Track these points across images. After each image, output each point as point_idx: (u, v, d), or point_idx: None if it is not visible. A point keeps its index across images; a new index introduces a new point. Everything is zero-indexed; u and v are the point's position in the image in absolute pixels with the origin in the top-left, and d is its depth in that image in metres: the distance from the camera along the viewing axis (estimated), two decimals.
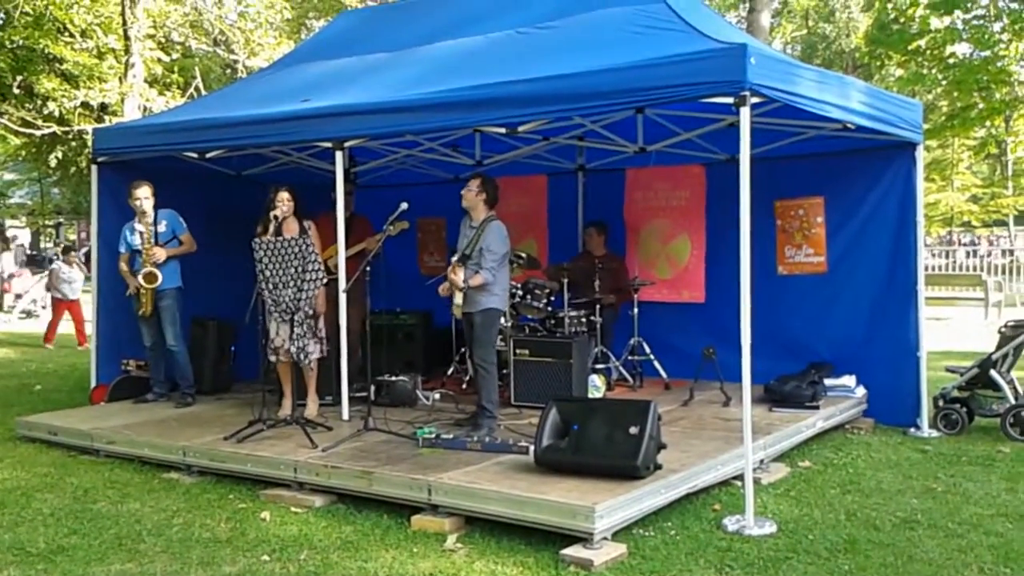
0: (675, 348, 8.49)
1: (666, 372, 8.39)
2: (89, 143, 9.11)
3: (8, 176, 41.00)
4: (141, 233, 7.74)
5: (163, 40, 19.87)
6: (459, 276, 6.51)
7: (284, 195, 6.97)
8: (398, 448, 6.05)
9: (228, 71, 23.67)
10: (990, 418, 7.43)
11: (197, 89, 18.93)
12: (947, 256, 26.68)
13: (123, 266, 7.87)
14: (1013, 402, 7.20)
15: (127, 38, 17.45)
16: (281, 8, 20.25)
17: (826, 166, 8.03)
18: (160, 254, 7.71)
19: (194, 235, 8.00)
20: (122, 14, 17.59)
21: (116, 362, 8.38)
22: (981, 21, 24.41)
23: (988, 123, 26.62)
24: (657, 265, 9.15)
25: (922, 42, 23.60)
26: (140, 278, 7.67)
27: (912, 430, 7.51)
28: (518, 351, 7.58)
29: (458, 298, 6.59)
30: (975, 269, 23.27)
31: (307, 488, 5.74)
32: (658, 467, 5.24)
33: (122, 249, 7.87)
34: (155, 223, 7.76)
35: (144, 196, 7.72)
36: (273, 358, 7.01)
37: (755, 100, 5.29)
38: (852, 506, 5.49)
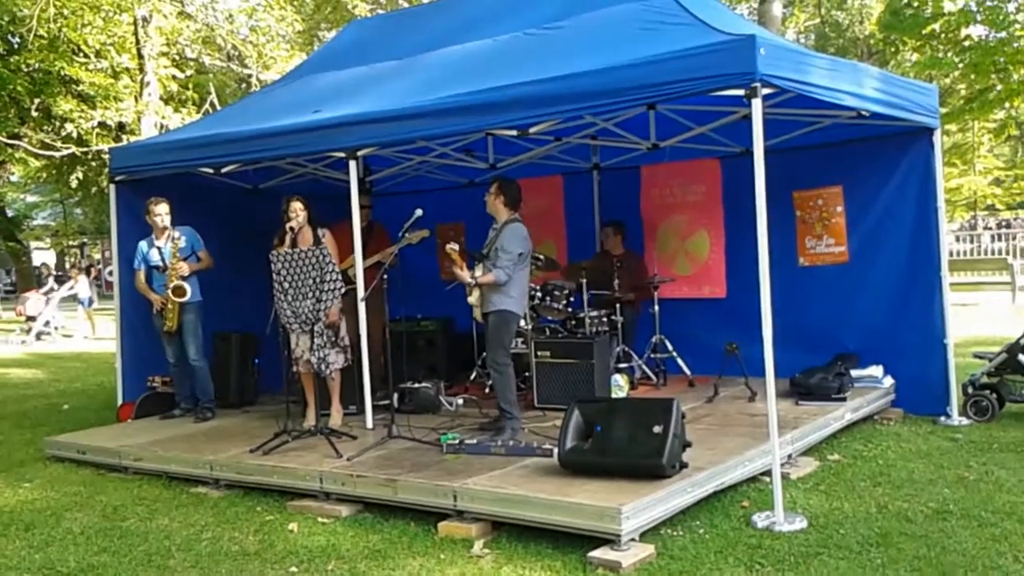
0: (698, 344, 8.43)
1: (690, 369, 8.33)
2: (107, 163, 9.17)
3: (31, 198, 41.54)
4: (160, 249, 7.80)
5: (177, 57, 20.02)
6: (466, 271, 6.49)
7: (297, 205, 6.99)
8: (423, 455, 6.05)
9: (243, 85, 23.81)
10: (1021, 403, 7.32)
11: (212, 104, 19.05)
12: (972, 241, 26.41)
13: (142, 282, 7.91)
14: None
15: (141, 57, 17.61)
16: (292, 21, 20.36)
17: (843, 155, 7.96)
18: (185, 268, 7.76)
19: (213, 250, 8.05)
20: (135, 33, 17.75)
21: (142, 379, 8.44)
22: (995, 2, 24.12)
23: (1007, 104, 26.32)
24: (676, 261, 9.10)
25: (936, 26, 23.37)
26: (169, 292, 7.71)
27: (942, 418, 7.41)
28: (539, 353, 7.56)
29: (474, 299, 6.59)
30: (1001, 253, 23.03)
31: (333, 498, 5.75)
32: (684, 465, 5.20)
33: (137, 266, 7.92)
34: (173, 240, 7.81)
35: (164, 212, 7.78)
36: (295, 369, 7.03)
37: (767, 91, 5.25)
38: (883, 498, 5.42)
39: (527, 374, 7.80)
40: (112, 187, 8.48)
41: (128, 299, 8.38)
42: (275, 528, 5.46)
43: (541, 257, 8.25)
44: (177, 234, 7.76)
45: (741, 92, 5.16)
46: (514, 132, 6.70)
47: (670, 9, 6.35)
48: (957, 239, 24.90)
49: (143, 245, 7.91)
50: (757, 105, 5.11)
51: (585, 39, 6.62)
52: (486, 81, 6.32)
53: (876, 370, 7.71)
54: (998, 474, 5.79)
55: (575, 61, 6.06)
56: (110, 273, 26.69)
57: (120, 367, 8.46)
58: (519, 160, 8.96)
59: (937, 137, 7.51)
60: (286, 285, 6.82)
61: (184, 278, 7.75)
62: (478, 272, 6.56)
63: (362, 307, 6.86)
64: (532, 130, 6.58)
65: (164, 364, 8.11)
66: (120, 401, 8.42)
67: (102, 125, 18.42)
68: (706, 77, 5.26)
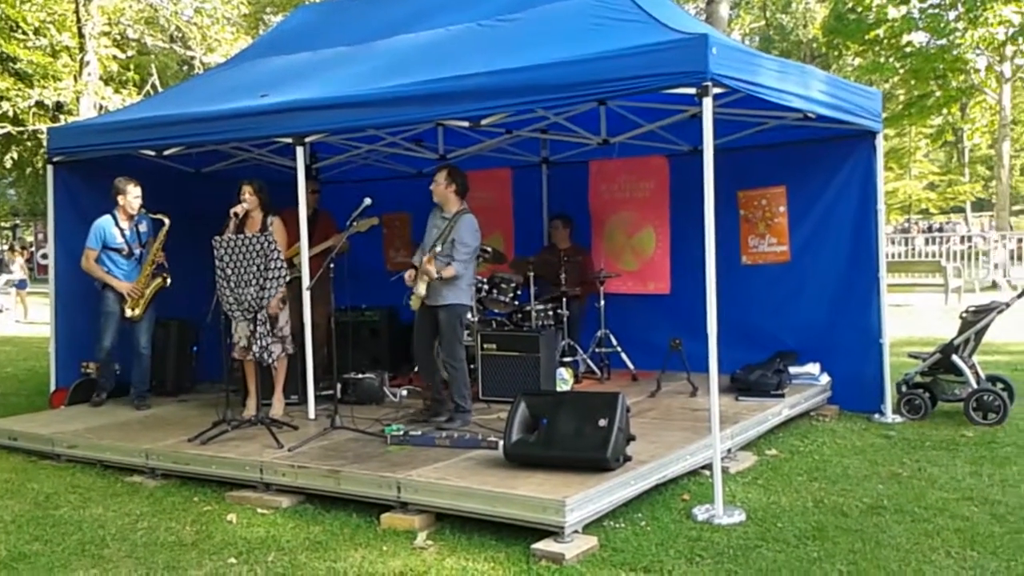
0: (642, 340, 8.50)
1: (633, 364, 8.40)
2: (44, 143, 8.93)
3: None
4: (124, 231, 7.62)
5: (118, 37, 19.60)
6: (433, 267, 6.46)
7: (247, 188, 6.89)
8: (366, 446, 6.00)
9: (185, 67, 23.40)
10: (953, 403, 7.52)
11: (153, 86, 18.70)
12: (906, 243, 27.06)
13: (93, 263, 7.63)
14: (975, 386, 7.30)
15: (81, 36, 17.21)
16: (238, 3, 20.04)
17: (788, 156, 8.08)
18: (162, 256, 7.67)
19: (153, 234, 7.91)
20: (76, 11, 17.34)
21: (76, 365, 8.23)
22: (937, 10, 24.75)
23: (945, 111, 27.05)
24: (623, 257, 9.16)
25: (879, 31, 23.93)
26: (160, 280, 7.63)
27: (876, 416, 7.59)
28: (485, 346, 7.56)
29: (421, 288, 6.53)
30: (934, 256, 23.65)
31: (274, 489, 5.67)
32: (627, 459, 5.24)
33: (94, 245, 7.62)
34: (138, 224, 7.65)
35: (139, 194, 7.64)
36: (237, 356, 6.92)
37: (717, 90, 5.29)
38: (819, 493, 5.53)
39: (472, 366, 7.78)
40: (50, 168, 8.24)
41: (64, 282, 8.17)
42: (213, 519, 5.37)
43: (489, 249, 8.24)
44: (163, 218, 7.62)
45: (692, 91, 5.21)
46: (466, 123, 6.67)
47: (624, 6, 6.37)
48: (892, 241, 25.47)
49: (106, 224, 7.63)
50: (708, 104, 5.15)
51: (538, 32, 6.61)
52: (438, 71, 6.28)
53: (813, 367, 7.85)
54: (930, 471, 5.94)
55: (528, 54, 6.06)
56: (43, 256, 26.02)
57: (54, 352, 8.24)
58: (469, 152, 8.93)
59: (879, 141, 7.66)
60: (228, 271, 6.68)
61: (163, 265, 7.61)
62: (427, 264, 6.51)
63: (307, 295, 6.78)
64: (484, 122, 6.56)
65: (98, 347, 7.89)
66: (53, 387, 8.21)
67: (39, 104, 17.97)
68: (658, 75, 5.30)
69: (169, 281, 7.67)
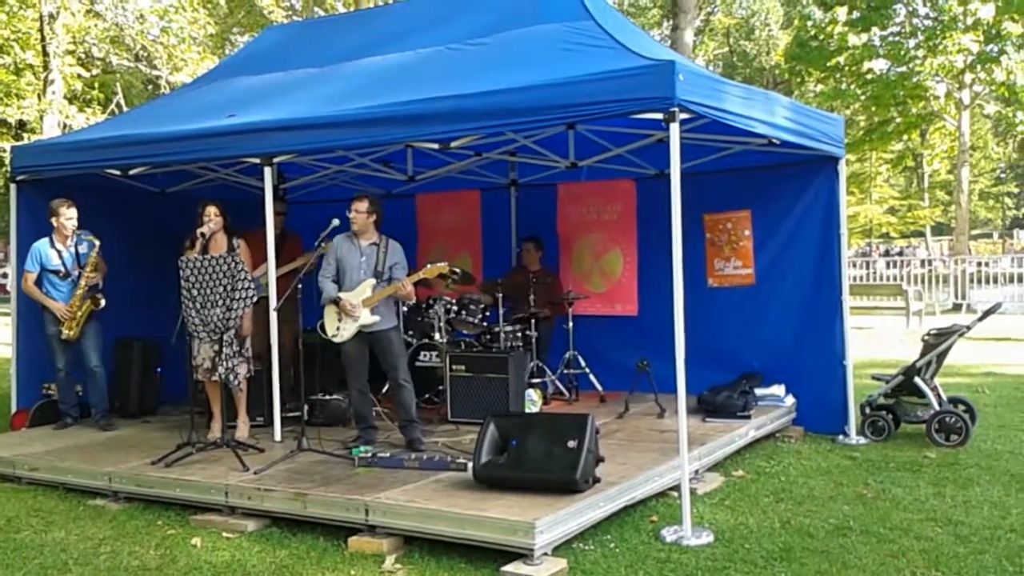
0: (610, 361, 8.56)
1: (601, 385, 8.44)
2: (7, 161, 8.82)
3: None
4: (61, 252, 7.57)
5: (83, 56, 19.43)
6: (412, 290, 6.50)
7: (212, 209, 6.86)
8: (333, 468, 5.96)
9: (150, 87, 23.24)
10: (915, 424, 7.62)
11: (119, 105, 18.55)
12: (867, 267, 27.44)
13: (31, 286, 7.61)
14: (937, 408, 7.41)
15: (46, 54, 17.04)
16: (204, 23, 19.97)
17: (752, 180, 8.19)
18: (97, 277, 7.61)
19: (117, 254, 7.93)
20: (40, 29, 17.16)
21: (37, 386, 8.10)
22: (897, 38, 25.27)
23: (905, 137, 27.55)
24: (591, 279, 9.21)
25: (841, 58, 24.35)
26: (89, 302, 7.53)
27: (840, 437, 7.66)
28: (454, 367, 7.55)
29: (368, 318, 6.47)
30: (895, 279, 23.99)
31: (239, 512, 5.61)
32: (596, 480, 5.25)
33: (31, 268, 7.62)
34: (77, 244, 7.58)
35: (74, 216, 7.60)
36: (199, 377, 6.83)
37: (684, 116, 5.36)
38: (786, 514, 5.57)
39: (440, 388, 7.77)
40: (12, 187, 8.14)
41: (25, 303, 8.03)
42: (177, 543, 5.30)
43: (458, 271, 8.25)
44: (93, 239, 7.56)
45: (660, 116, 5.26)
46: (435, 145, 6.69)
47: (592, 31, 6.45)
48: (853, 264, 25.81)
49: (42, 247, 7.63)
50: (675, 129, 5.22)
51: (508, 56, 6.66)
52: (407, 93, 6.30)
53: (779, 389, 7.93)
54: (894, 492, 6.01)
55: (498, 77, 6.09)
56: (3, 275, 25.60)
57: (15, 373, 8.10)
58: (438, 173, 8.94)
59: (842, 166, 7.79)
60: (195, 292, 6.64)
61: (97, 287, 7.54)
62: (368, 291, 6.48)
63: (274, 316, 6.74)
64: (453, 144, 6.58)
65: (55, 372, 7.81)
66: (14, 408, 8.06)
67: (1, 122, 17.73)
68: (626, 100, 5.35)
69: (103, 303, 7.60)
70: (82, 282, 7.55)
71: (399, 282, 6.45)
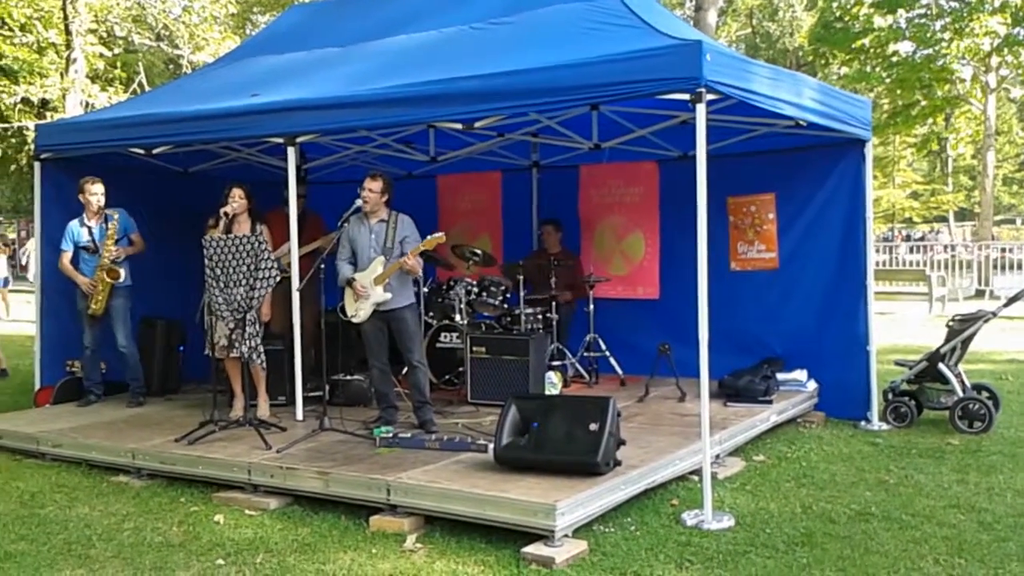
0: (630, 344, 8.52)
1: (622, 368, 8.41)
2: (29, 139, 8.88)
3: None
4: (91, 229, 7.62)
5: (105, 35, 19.47)
6: (417, 264, 6.44)
7: (237, 192, 6.88)
8: (355, 448, 5.98)
9: (171, 66, 23.29)
10: (938, 411, 7.56)
11: (140, 85, 18.60)
12: (889, 252, 27.23)
13: (66, 264, 7.69)
14: (961, 395, 7.34)
15: (68, 32, 17.08)
16: (226, 3, 19.96)
17: (777, 163, 8.11)
18: (119, 251, 7.60)
19: (141, 232, 7.86)
20: (63, 8, 17.21)
21: (61, 363, 8.17)
22: (923, 20, 24.94)
23: (930, 120, 27.23)
24: (612, 262, 9.17)
25: (866, 40, 24.06)
26: (105, 273, 7.54)
27: (862, 423, 7.62)
28: (475, 349, 7.55)
29: (381, 295, 6.45)
30: (917, 264, 23.81)
31: (262, 490, 5.65)
32: (617, 463, 5.24)
33: (66, 247, 7.71)
34: (107, 221, 7.62)
35: (100, 192, 7.65)
36: (217, 355, 6.84)
37: (711, 97, 5.30)
38: (807, 499, 5.55)
39: (461, 369, 7.78)
40: (37, 165, 8.19)
41: (49, 280, 8.11)
42: (200, 519, 5.34)
43: (479, 252, 8.25)
44: (115, 214, 7.59)
45: (686, 96, 5.21)
46: (458, 126, 6.66)
47: (617, 10, 6.39)
48: (876, 250, 25.61)
49: (74, 225, 7.71)
50: (701, 110, 5.16)
51: (531, 36, 6.61)
52: (430, 73, 6.27)
53: (801, 374, 7.88)
54: (917, 478, 5.97)
55: (521, 57, 6.06)
56: (25, 253, 25.77)
57: (39, 350, 8.18)
58: (459, 154, 8.92)
59: (868, 149, 7.70)
60: (218, 271, 6.65)
61: (116, 261, 7.57)
62: (379, 268, 6.45)
63: (296, 296, 6.76)
64: (477, 125, 6.55)
65: (82, 347, 7.88)
66: (38, 385, 8.15)
67: (25, 101, 17.81)
68: (652, 80, 5.30)
69: (123, 276, 7.62)
70: (104, 255, 7.58)
71: (397, 260, 6.42)
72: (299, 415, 6.86)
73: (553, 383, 7.67)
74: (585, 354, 8.49)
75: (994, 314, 7.51)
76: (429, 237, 6.46)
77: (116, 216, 7.63)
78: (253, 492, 5.66)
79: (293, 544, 4.89)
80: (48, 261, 8.10)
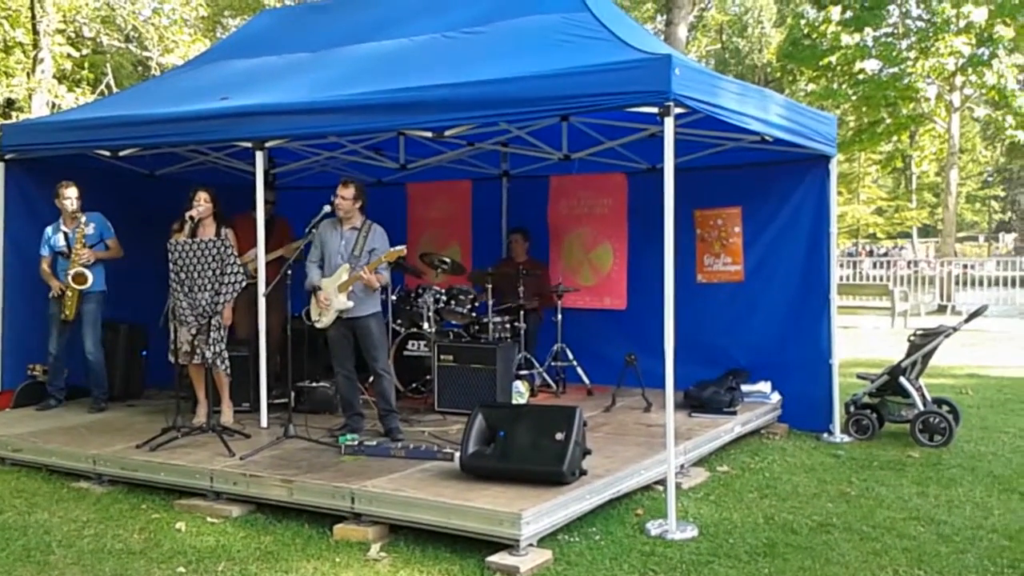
0: (597, 354, 8.56)
1: (589, 378, 8.44)
2: None
3: None
4: (66, 234, 7.53)
5: (73, 35, 19.25)
6: (373, 277, 6.38)
7: (202, 195, 6.84)
8: (319, 456, 5.95)
9: (140, 68, 23.08)
10: (899, 424, 7.66)
11: (108, 86, 18.42)
12: (853, 267, 27.56)
13: (45, 269, 7.64)
14: (921, 408, 7.45)
15: (36, 32, 16.88)
16: (197, 5, 19.83)
17: (744, 177, 8.20)
18: (89, 255, 7.51)
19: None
20: (31, 7, 16.99)
21: (22, 367, 8.05)
22: (890, 39, 25.35)
23: (895, 138, 27.65)
24: (580, 272, 9.22)
25: (833, 58, 24.40)
26: (69, 278, 7.46)
27: (825, 435, 7.70)
28: (442, 357, 7.54)
29: (343, 303, 6.42)
30: (880, 279, 24.11)
31: (224, 498, 5.60)
32: (583, 473, 5.26)
33: (44, 252, 7.66)
34: (80, 225, 7.53)
35: (73, 196, 7.59)
36: (180, 361, 6.77)
37: (679, 111, 5.35)
38: (770, 510, 5.60)
39: (428, 377, 7.76)
40: (1, 165, 8.07)
41: (12, 282, 8.00)
42: (161, 527, 5.29)
43: (447, 261, 8.25)
44: (84, 219, 7.51)
45: (655, 110, 5.26)
46: (429, 134, 6.66)
47: (588, 23, 6.42)
48: (840, 264, 25.91)
49: (49, 230, 7.66)
50: (669, 124, 5.21)
51: (503, 46, 6.63)
52: (402, 80, 6.27)
53: (765, 386, 7.96)
54: (878, 490, 6.05)
55: (493, 67, 6.07)
56: None
57: (0, 353, 8.06)
58: (429, 163, 8.92)
59: (833, 165, 7.80)
60: (183, 275, 6.59)
61: (88, 266, 7.49)
62: (344, 275, 6.42)
63: (262, 302, 6.72)
64: (447, 133, 6.56)
65: (46, 352, 7.78)
66: None
67: None
68: (622, 93, 5.34)
69: (90, 280, 7.53)
70: (73, 259, 7.49)
71: (359, 271, 6.39)
72: (264, 422, 6.81)
73: (520, 392, 7.68)
74: (553, 364, 8.52)
75: (955, 329, 7.63)
76: (390, 250, 6.44)
77: (85, 219, 7.54)
78: (216, 499, 5.61)
79: (255, 552, 4.85)
80: (11, 264, 8.00)
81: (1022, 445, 7.41)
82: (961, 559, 4.73)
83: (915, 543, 4.97)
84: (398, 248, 6.41)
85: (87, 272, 7.50)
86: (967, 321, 7.83)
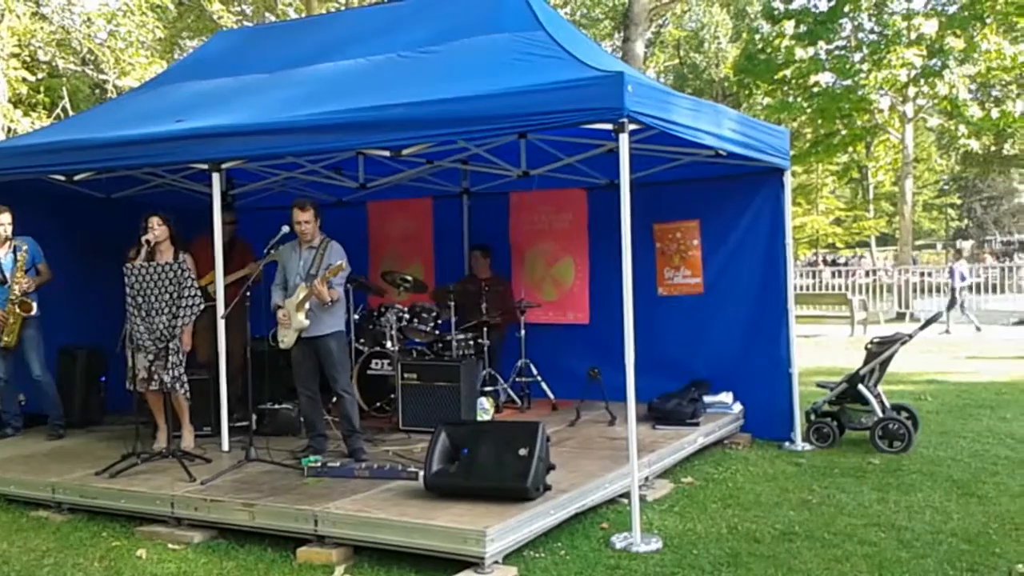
0: (562, 369, 8.59)
1: (553, 393, 8.47)
2: None
3: None
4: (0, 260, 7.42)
5: (29, 59, 19.02)
6: (324, 290, 6.34)
7: (154, 220, 6.76)
8: (282, 479, 5.90)
9: (97, 91, 22.85)
10: (859, 431, 7.75)
11: (64, 110, 18.20)
12: (813, 276, 27.90)
13: None
14: (880, 415, 7.55)
15: None
16: (153, 27, 19.70)
17: (701, 191, 8.30)
18: (28, 283, 7.41)
19: (61, 261, 7.75)
20: None
21: None
22: (843, 52, 25.78)
23: (850, 149, 28.10)
24: (543, 287, 9.26)
25: (788, 72, 24.78)
26: (15, 307, 7.33)
27: (786, 444, 7.78)
28: (406, 375, 7.53)
29: (300, 322, 6.40)
30: (840, 288, 24.43)
31: (185, 524, 5.54)
32: (547, 488, 5.27)
33: None
34: (15, 251, 7.43)
35: (7, 222, 7.47)
36: (137, 388, 6.68)
37: (633, 127, 5.41)
38: (733, 520, 5.64)
39: (392, 396, 7.74)
40: None
41: None
42: (122, 554, 5.22)
43: (410, 279, 8.25)
44: (24, 246, 7.40)
45: (609, 126, 5.32)
46: (387, 153, 6.67)
47: (543, 42, 6.47)
48: (800, 274, 26.24)
49: None
50: (624, 140, 5.27)
51: (459, 65, 6.67)
52: (359, 100, 6.28)
53: (727, 396, 8.03)
54: (839, 497, 6.11)
55: (449, 86, 6.10)
56: None
57: None
58: (389, 181, 8.92)
59: (787, 178, 7.92)
60: (140, 300, 6.52)
61: (27, 292, 7.38)
62: (301, 294, 6.39)
63: (221, 324, 6.66)
64: (405, 152, 6.57)
65: None
66: None
67: None
68: (576, 110, 5.38)
69: (35, 309, 7.44)
70: (14, 286, 7.39)
71: (310, 286, 6.37)
72: (225, 446, 6.73)
73: (485, 408, 7.69)
74: (517, 379, 8.53)
75: (910, 336, 7.75)
76: (332, 266, 6.42)
77: (25, 247, 7.44)
78: (177, 526, 5.54)
79: None
80: None
81: (980, 449, 7.54)
82: (921, 564, 4.80)
83: (876, 549, 5.03)
84: (337, 264, 6.40)
85: (30, 300, 7.40)
86: (922, 328, 7.95)
